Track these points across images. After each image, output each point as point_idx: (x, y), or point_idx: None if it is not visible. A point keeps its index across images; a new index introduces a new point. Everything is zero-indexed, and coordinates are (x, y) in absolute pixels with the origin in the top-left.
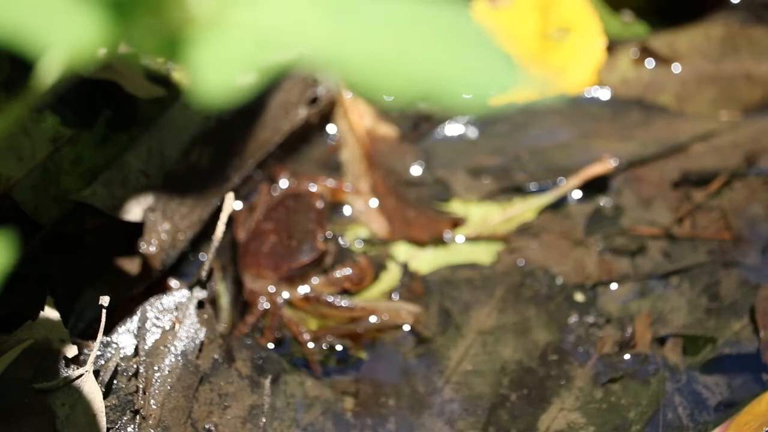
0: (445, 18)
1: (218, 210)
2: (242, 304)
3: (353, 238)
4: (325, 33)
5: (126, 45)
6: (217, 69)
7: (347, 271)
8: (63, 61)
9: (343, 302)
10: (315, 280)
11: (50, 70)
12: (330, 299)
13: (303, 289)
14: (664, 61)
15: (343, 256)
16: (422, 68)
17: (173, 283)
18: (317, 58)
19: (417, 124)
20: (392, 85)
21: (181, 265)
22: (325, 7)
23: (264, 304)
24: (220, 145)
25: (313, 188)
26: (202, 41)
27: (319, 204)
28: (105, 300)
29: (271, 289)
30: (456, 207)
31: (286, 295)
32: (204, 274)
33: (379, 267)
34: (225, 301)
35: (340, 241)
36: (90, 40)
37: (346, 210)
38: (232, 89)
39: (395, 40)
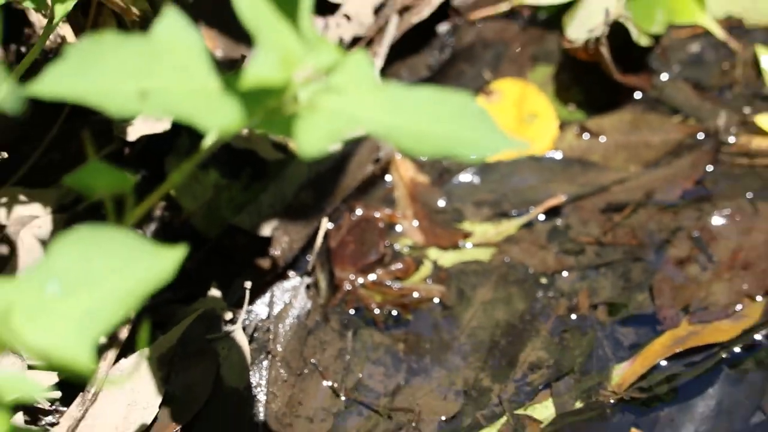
0: (460, 103)
1: (317, 229)
2: (333, 287)
3: (402, 246)
4: (382, 116)
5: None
6: (315, 140)
7: (399, 265)
8: (218, 136)
9: (395, 285)
10: (379, 272)
11: (207, 141)
12: (388, 283)
13: (371, 277)
14: (594, 134)
15: (396, 257)
16: (445, 137)
17: (291, 273)
18: (378, 132)
19: (441, 174)
20: (426, 149)
21: (296, 263)
22: (382, 98)
23: (347, 286)
24: (318, 188)
25: (378, 215)
26: (304, 122)
27: (381, 225)
28: (248, 284)
29: (351, 277)
30: (466, 226)
31: (360, 280)
32: (309, 268)
33: (418, 263)
34: (323, 285)
35: (395, 246)
36: (234, 123)
37: (398, 228)
38: (325, 153)
39: (427, 119)
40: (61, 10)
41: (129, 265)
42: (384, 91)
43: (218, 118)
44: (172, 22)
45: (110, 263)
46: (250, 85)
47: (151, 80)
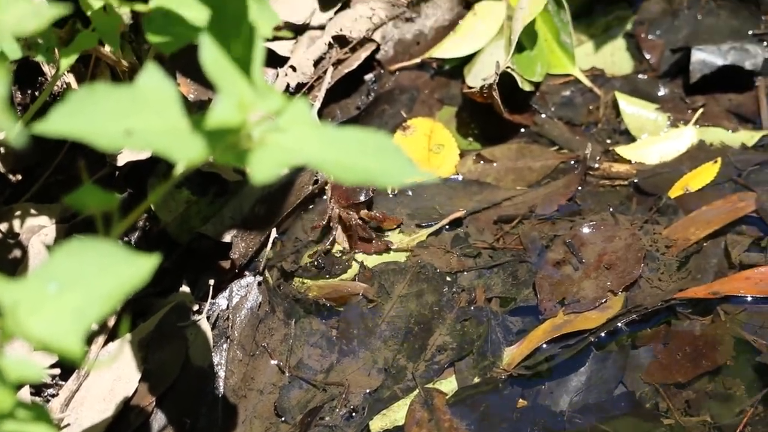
0: (379, 140)
1: (268, 236)
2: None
3: (335, 251)
4: (317, 150)
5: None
6: (264, 170)
7: (378, 215)
8: (186, 164)
9: (330, 282)
10: (363, 212)
11: (179, 169)
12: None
13: (356, 218)
14: (488, 161)
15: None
16: (367, 168)
17: (246, 273)
18: (314, 164)
19: (366, 194)
20: (352, 177)
21: (250, 264)
22: (317, 136)
23: (336, 213)
24: (269, 204)
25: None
26: (256, 155)
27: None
28: (211, 282)
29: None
30: (388, 233)
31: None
32: (261, 268)
33: (346, 265)
34: (271, 281)
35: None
36: (199, 156)
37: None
38: (275, 176)
39: (353, 153)
40: (65, 63)
41: (114, 268)
42: (319, 130)
43: (186, 151)
44: (151, 75)
45: (99, 267)
46: (212, 126)
47: (134, 121)
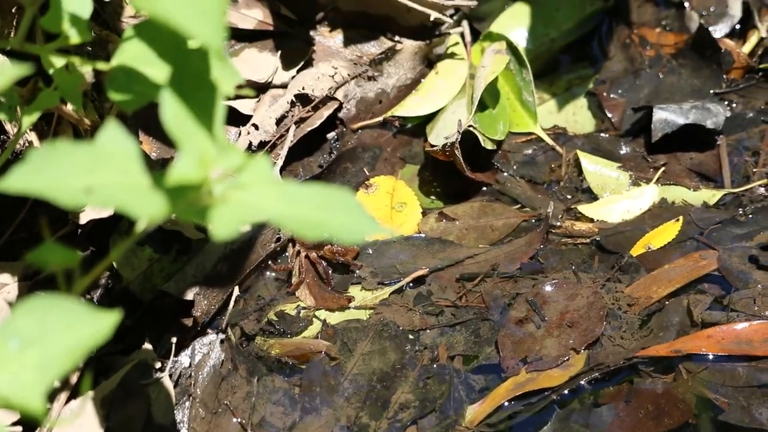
0: (340, 196)
1: (231, 294)
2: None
3: (298, 308)
4: (278, 207)
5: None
6: (225, 227)
7: (340, 249)
8: (148, 221)
9: (292, 339)
10: (326, 248)
11: (141, 226)
12: (288, 335)
13: (317, 253)
14: (451, 219)
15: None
16: (328, 224)
17: (209, 330)
18: (275, 220)
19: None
20: (313, 233)
21: (212, 322)
22: (278, 192)
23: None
24: (232, 261)
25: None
26: (217, 212)
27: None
28: (174, 339)
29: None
30: (350, 292)
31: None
32: (223, 326)
33: (308, 322)
34: (234, 339)
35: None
36: (159, 213)
37: (297, 294)
38: (237, 233)
39: (314, 209)
40: (27, 122)
41: (74, 326)
42: (280, 186)
43: (148, 208)
44: (112, 132)
45: (59, 324)
46: (173, 183)
47: (95, 178)
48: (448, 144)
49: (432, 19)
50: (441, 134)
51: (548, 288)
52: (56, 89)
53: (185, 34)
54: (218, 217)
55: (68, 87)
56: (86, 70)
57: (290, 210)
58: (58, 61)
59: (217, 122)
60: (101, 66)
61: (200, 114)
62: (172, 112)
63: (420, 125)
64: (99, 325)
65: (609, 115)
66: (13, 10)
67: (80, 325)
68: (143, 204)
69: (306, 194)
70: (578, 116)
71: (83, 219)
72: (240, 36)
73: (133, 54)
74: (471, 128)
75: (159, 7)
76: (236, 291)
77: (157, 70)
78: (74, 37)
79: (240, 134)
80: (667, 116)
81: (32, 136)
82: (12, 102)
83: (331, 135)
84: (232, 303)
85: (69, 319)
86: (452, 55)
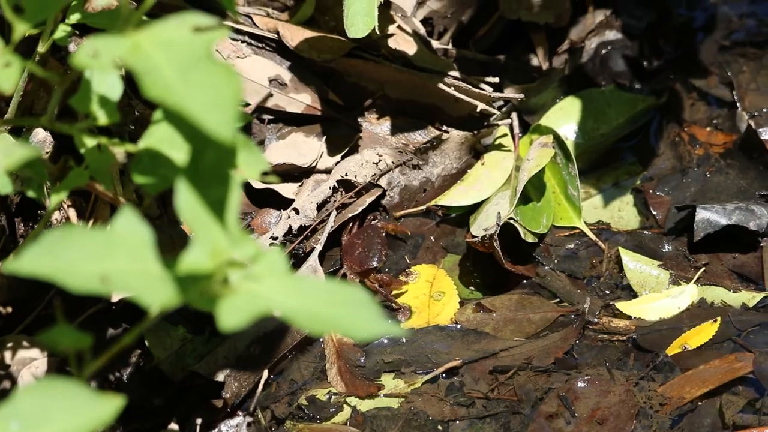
0: (350, 293)
1: (260, 378)
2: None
3: (327, 394)
4: (289, 299)
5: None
6: (233, 318)
7: (386, 278)
8: (159, 309)
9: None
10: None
11: (154, 311)
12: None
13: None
14: (488, 311)
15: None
16: (336, 320)
17: (238, 412)
18: (284, 313)
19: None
20: (320, 328)
21: (242, 404)
22: (289, 286)
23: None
24: (265, 344)
25: (380, 225)
26: (225, 302)
27: (384, 234)
28: (199, 421)
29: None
30: (381, 380)
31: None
32: (252, 408)
33: (338, 408)
34: (263, 422)
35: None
36: (171, 300)
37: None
38: (244, 324)
39: (324, 304)
40: (55, 200)
41: (76, 410)
42: (292, 280)
43: (158, 296)
44: (127, 218)
45: (61, 408)
46: (184, 271)
47: (106, 264)
48: (487, 236)
49: (479, 110)
50: (482, 225)
51: (581, 384)
52: (87, 168)
53: (196, 124)
54: (227, 308)
55: (99, 166)
56: (119, 150)
57: (301, 304)
58: (90, 141)
59: (231, 213)
60: (129, 148)
61: (214, 203)
62: (186, 198)
63: (464, 215)
64: (101, 410)
65: (654, 213)
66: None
67: (82, 410)
68: (154, 292)
69: (316, 288)
70: (623, 212)
71: (114, 297)
72: (288, 119)
73: (160, 137)
74: (511, 221)
75: (170, 97)
76: (265, 374)
77: (183, 154)
78: (102, 119)
79: (281, 218)
80: (710, 216)
81: (71, 213)
82: (41, 179)
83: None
84: (261, 385)
85: (71, 403)
86: (499, 147)
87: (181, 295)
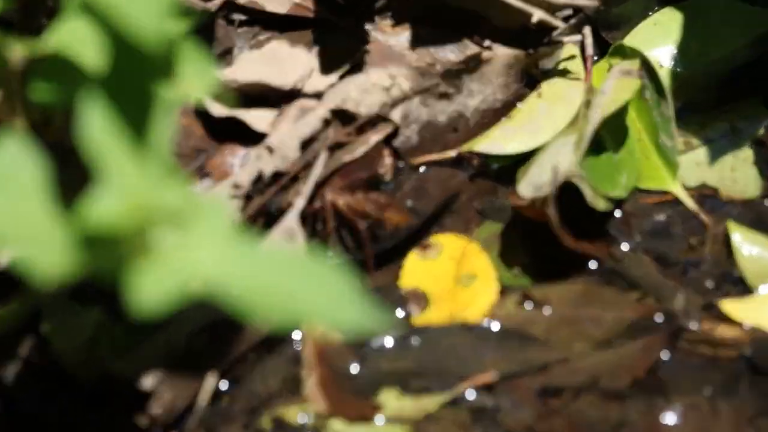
0: (333, 272)
1: (204, 387)
2: None
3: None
4: (235, 277)
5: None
6: (150, 290)
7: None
8: (50, 276)
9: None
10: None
11: (40, 283)
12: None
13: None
14: (538, 304)
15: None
16: (310, 307)
17: None
18: (228, 293)
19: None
20: (284, 318)
21: (179, 422)
22: (238, 257)
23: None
24: (213, 335)
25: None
26: (142, 270)
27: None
28: None
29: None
30: (380, 397)
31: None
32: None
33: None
34: None
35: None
36: (68, 268)
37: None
38: (162, 305)
39: (291, 285)
40: None
41: None
42: (241, 247)
43: (45, 260)
44: (13, 147)
45: None
46: (85, 225)
47: None
48: (541, 198)
49: (535, 20)
50: (535, 183)
51: (669, 417)
52: None
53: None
54: (143, 283)
55: None
56: (18, 50)
57: (250, 282)
58: None
59: (159, 143)
60: (29, 47)
61: (135, 130)
62: (94, 122)
63: (509, 167)
64: None
65: None
66: None
67: None
68: (39, 253)
69: (280, 261)
70: (738, 173)
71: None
72: (268, 22)
73: (72, 34)
74: (577, 179)
75: None
76: (215, 381)
77: (98, 60)
78: None
79: (249, 159)
80: None
81: None
82: None
83: (380, 170)
84: (207, 397)
85: None
86: (564, 73)
87: (80, 260)
